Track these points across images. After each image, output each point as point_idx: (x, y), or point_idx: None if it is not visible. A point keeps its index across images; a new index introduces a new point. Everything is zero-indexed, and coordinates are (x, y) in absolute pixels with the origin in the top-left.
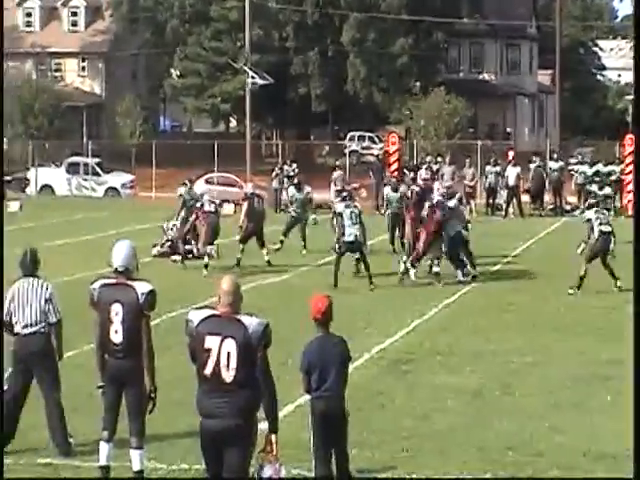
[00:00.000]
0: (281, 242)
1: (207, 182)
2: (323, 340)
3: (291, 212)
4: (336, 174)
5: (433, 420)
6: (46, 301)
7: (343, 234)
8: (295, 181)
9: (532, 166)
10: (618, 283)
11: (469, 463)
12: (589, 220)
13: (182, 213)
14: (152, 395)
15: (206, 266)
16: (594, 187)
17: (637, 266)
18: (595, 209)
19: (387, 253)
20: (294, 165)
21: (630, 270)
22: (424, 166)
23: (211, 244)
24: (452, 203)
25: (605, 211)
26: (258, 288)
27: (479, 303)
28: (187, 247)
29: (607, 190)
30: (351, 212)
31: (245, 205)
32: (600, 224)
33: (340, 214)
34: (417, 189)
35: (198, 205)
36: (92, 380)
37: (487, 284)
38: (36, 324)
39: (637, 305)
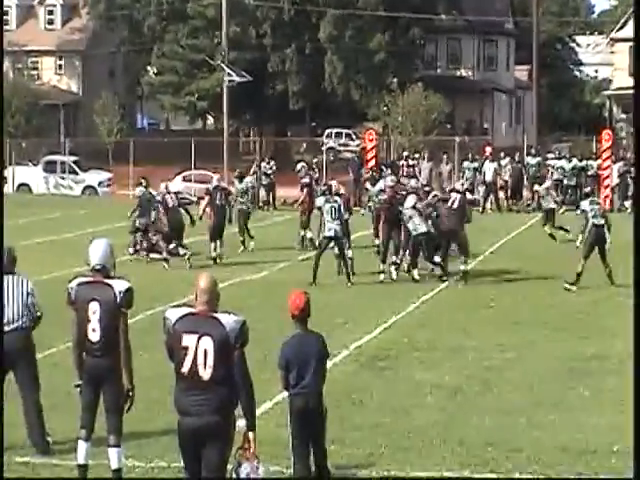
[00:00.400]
0: (251, 238)
1: (185, 180)
2: (301, 337)
3: (240, 206)
4: (299, 166)
5: (412, 416)
6: (27, 295)
7: (323, 229)
8: (237, 173)
9: (503, 162)
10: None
11: (449, 459)
12: (584, 211)
13: (137, 213)
14: (130, 393)
15: (166, 260)
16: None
17: (637, 262)
18: (590, 199)
19: (365, 249)
20: (272, 162)
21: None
22: (401, 162)
23: (170, 241)
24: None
25: (600, 202)
26: (237, 285)
27: (458, 299)
28: (171, 246)
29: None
30: (331, 207)
31: (205, 199)
32: (594, 216)
33: (319, 208)
34: (384, 197)
35: (160, 203)
36: (70, 378)
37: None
38: (16, 320)
39: (637, 298)
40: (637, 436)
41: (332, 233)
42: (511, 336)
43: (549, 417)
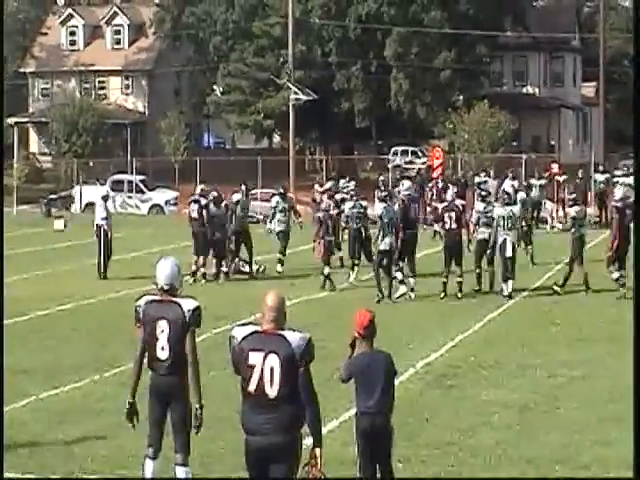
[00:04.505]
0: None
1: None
2: (368, 355)
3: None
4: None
5: (479, 435)
6: None
7: (379, 241)
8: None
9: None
10: None
11: (516, 477)
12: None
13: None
14: (199, 412)
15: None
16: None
17: (637, 266)
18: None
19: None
20: (352, 183)
21: None
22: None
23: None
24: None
25: None
26: (303, 303)
27: (524, 316)
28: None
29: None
30: (390, 219)
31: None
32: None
33: (380, 217)
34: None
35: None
36: (137, 397)
37: (532, 297)
38: None
39: (637, 303)
40: (637, 438)
41: (387, 246)
42: (578, 353)
43: (616, 434)
